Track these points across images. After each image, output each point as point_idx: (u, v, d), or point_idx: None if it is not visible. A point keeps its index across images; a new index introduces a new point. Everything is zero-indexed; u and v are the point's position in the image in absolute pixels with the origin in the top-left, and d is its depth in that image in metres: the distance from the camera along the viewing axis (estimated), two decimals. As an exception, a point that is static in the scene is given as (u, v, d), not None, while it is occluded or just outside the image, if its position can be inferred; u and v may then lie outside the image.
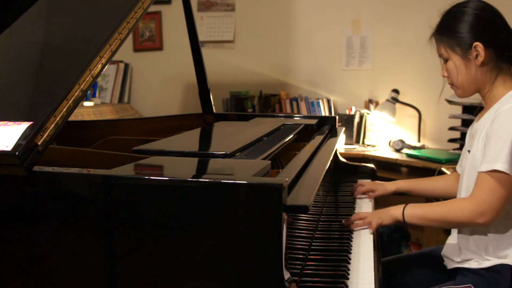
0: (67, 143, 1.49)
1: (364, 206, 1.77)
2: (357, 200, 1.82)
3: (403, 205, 1.44)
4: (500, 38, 1.38)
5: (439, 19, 1.47)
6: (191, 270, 0.89)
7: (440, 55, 1.47)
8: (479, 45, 1.37)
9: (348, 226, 1.48)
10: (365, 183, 1.84)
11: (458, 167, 1.64)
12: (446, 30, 1.43)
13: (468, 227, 1.42)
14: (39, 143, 0.94)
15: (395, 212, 1.44)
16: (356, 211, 1.70)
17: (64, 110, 0.99)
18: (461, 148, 2.60)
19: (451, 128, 2.80)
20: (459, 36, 1.39)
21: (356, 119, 3.26)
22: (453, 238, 1.48)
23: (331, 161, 1.60)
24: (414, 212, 1.42)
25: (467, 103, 2.64)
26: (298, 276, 1.12)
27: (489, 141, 1.32)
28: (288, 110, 3.39)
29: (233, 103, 3.47)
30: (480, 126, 1.41)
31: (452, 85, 1.47)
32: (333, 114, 3.34)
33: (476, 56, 1.38)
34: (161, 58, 3.77)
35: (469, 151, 1.44)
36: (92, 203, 0.94)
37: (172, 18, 3.70)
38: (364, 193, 1.82)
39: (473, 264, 1.41)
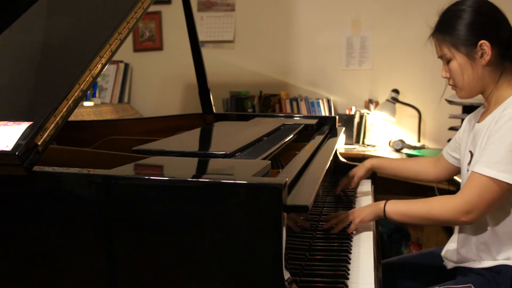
0: (67, 143, 1.49)
1: (364, 204, 1.76)
2: (357, 199, 1.82)
3: (384, 201, 1.40)
4: (503, 35, 1.33)
5: (437, 18, 1.41)
6: (191, 270, 0.89)
7: (441, 56, 1.41)
8: (485, 43, 1.31)
9: (329, 230, 1.42)
10: (344, 179, 1.82)
11: (445, 153, 1.64)
12: (449, 29, 1.37)
13: (450, 225, 1.39)
14: (39, 143, 0.94)
15: (375, 208, 1.41)
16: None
17: (64, 110, 0.99)
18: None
19: (451, 128, 2.80)
20: (463, 34, 1.34)
21: (356, 119, 3.26)
22: (454, 241, 1.48)
23: (331, 161, 1.60)
24: (395, 208, 1.38)
25: (467, 103, 2.63)
26: (298, 276, 1.12)
27: (489, 143, 1.28)
28: (288, 110, 3.39)
29: (233, 103, 3.47)
30: (484, 127, 1.36)
31: (454, 86, 1.41)
32: (333, 114, 3.34)
33: (482, 55, 1.33)
34: (161, 58, 3.77)
35: (470, 151, 1.41)
36: (92, 203, 0.94)
37: (172, 18, 3.70)
38: (348, 184, 1.82)
39: (474, 264, 1.40)
